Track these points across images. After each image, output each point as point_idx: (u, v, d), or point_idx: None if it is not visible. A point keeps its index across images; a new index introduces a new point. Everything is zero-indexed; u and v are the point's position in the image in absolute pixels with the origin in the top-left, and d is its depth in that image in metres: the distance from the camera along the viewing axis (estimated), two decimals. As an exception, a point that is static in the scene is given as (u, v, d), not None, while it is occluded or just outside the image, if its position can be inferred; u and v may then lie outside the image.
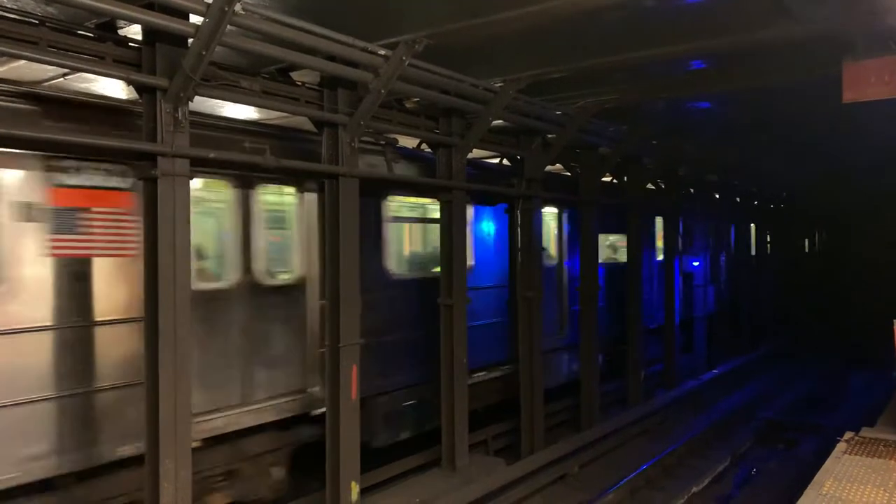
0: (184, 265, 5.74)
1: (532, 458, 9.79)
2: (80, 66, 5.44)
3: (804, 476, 7.28)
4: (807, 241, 27.71)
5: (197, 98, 5.81)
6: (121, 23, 5.77)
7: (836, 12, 6.36)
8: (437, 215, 9.09)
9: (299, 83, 7.16)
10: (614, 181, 13.64)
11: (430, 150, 9.25)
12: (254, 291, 7.53)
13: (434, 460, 9.24)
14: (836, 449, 7.39)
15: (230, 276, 7.44)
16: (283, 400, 7.72)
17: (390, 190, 9.14)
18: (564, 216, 12.68)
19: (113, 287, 6.36)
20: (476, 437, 10.13)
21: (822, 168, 19.75)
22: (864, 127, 12.03)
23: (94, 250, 6.23)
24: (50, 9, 5.50)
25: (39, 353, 5.88)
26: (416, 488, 8.50)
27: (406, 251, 10.81)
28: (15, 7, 5.25)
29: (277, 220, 8.17)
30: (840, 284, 27.92)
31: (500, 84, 8.37)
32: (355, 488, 7.28)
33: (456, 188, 8.84)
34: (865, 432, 7.91)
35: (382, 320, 8.81)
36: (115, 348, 6.34)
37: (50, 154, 5.89)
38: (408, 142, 9.61)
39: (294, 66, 6.99)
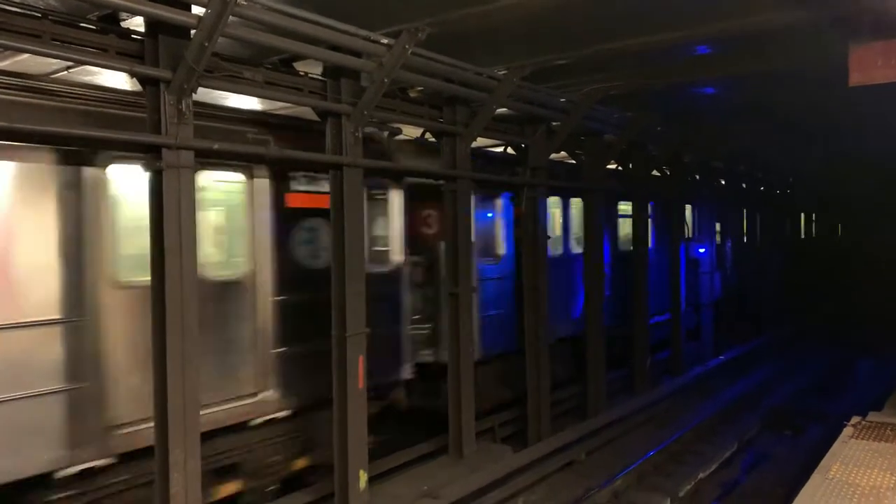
0: (189, 256, 5.77)
1: (539, 446, 9.83)
2: (83, 58, 5.46)
3: (811, 461, 7.29)
4: (813, 228, 27.59)
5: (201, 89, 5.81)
6: (123, 15, 5.77)
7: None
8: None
9: (302, 73, 7.15)
10: (619, 168, 13.61)
11: (433, 138, 9.25)
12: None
13: (441, 448, 9.29)
14: (843, 433, 7.40)
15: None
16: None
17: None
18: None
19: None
20: (483, 425, 10.18)
21: (828, 155, 19.64)
22: (871, 113, 11.94)
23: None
24: (52, 2, 5.51)
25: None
26: (423, 476, 8.55)
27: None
28: (18, 0, 5.25)
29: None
30: (846, 272, 27.83)
31: (503, 72, 8.34)
32: (363, 476, 7.34)
33: (460, 177, 8.84)
34: (872, 417, 7.91)
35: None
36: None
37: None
38: (411, 131, 9.61)
39: (297, 57, 6.98)
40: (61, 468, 5.88)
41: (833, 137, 16.19)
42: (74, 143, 5.90)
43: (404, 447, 9.45)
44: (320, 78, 7.18)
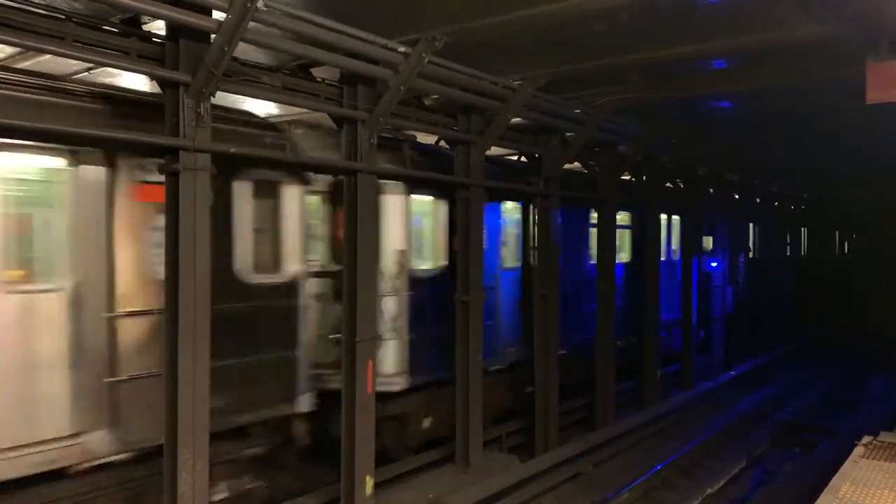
0: (203, 258, 5.80)
1: (546, 456, 9.80)
2: (105, 60, 5.51)
3: (821, 480, 7.23)
4: (826, 243, 27.40)
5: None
6: (145, 18, 5.84)
7: (861, 13, 6.29)
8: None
9: (319, 79, 7.20)
10: (632, 179, 13.59)
11: (447, 146, 9.28)
12: None
13: (448, 456, 9.28)
14: (854, 453, 7.34)
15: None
16: None
17: None
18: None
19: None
20: (490, 434, 10.15)
21: (843, 170, 19.52)
22: (888, 129, 11.87)
23: None
24: (76, 4, 5.58)
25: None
26: (429, 484, 8.54)
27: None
28: (42, 2, 5.33)
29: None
30: (859, 286, 27.60)
31: (519, 82, 8.36)
32: (370, 482, 7.33)
33: (474, 185, 8.85)
34: (884, 436, 7.85)
35: None
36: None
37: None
38: (426, 138, 9.64)
39: (314, 63, 7.02)
40: None
41: (849, 153, 16.09)
42: (92, 143, 5.96)
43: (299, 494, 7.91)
44: (337, 84, 7.23)
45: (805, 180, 21.07)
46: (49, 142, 5.72)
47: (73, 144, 5.87)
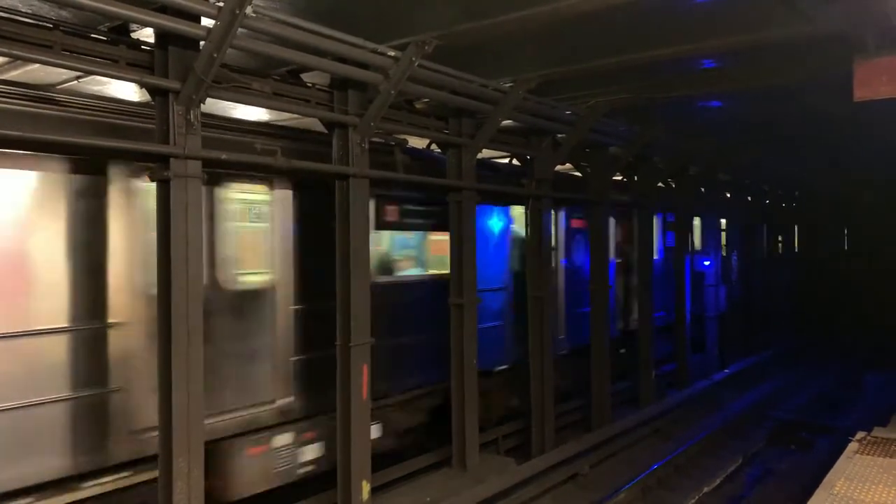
0: (196, 266, 5.79)
1: (542, 458, 9.79)
2: (93, 69, 5.50)
3: (816, 476, 7.25)
4: (820, 242, 27.48)
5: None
6: (133, 26, 5.84)
7: (848, 10, 6.33)
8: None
9: (310, 85, 7.20)
10: (625, 179, 13.63)
11: (439, 150, 9.29)
12: None
13: (445, 459, 9.27)
14: (848, 449, 7.37)
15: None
16: None
17: None
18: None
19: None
20: (486, 437, 10.15)
21: (835, 169, 19.61)
22: (879, 127, 11.94)
23: None
24: (64, 13, 5.57)
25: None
26: (426, 487, 8.54)
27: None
28: (29, 11, 5.32)
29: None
30: (853, 285, 27.68)
31: (509, 84, 8.38)
32: (366, 487, 7.32)
33: (466, 188, 8.86)
34: (878, 432, 7.88)
35: None
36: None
37: None
38: (417, 142, 9.64)
39: (304, 68, 7.03)
40: None
41: (839, 151, 16.17)
42: (83, 152, 5.95)
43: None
44: (327, 89, 7.23)
45: (799, 178, 21.13)
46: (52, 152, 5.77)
47: (68, 153, 5.88)
